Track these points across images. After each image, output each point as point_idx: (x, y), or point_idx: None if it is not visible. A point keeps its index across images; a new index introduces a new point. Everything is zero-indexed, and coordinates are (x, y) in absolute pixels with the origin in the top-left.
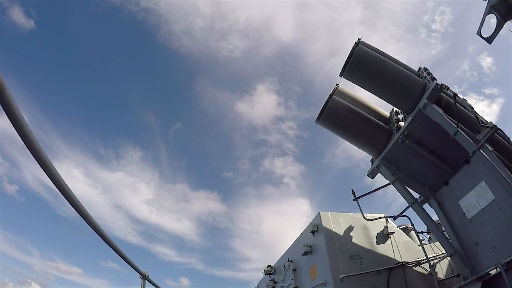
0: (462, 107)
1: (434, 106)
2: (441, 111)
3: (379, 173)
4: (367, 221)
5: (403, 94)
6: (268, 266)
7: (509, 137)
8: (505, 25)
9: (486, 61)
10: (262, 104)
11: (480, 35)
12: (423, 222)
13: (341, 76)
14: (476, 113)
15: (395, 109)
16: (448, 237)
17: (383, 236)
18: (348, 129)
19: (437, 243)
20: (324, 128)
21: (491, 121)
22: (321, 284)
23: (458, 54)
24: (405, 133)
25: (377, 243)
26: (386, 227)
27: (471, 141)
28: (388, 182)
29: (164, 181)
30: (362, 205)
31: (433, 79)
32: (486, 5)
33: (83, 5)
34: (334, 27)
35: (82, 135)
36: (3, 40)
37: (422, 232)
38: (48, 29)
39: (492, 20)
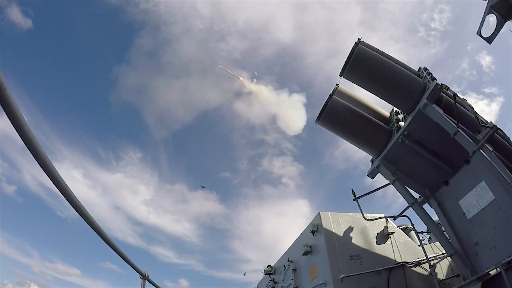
0: (462, 107)
1: (434, 106)
2: (441, 111)
3: (379, 173)
4: (367, 221)
5: (403, 94)
6: (268, 266)
7: (509, 137)
8: (505, 25)
9: (486, 60)
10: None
11: (480, 35)
12: (423, 222)
13: (341, 76)
14: (476, 113)
15: (395, 109)
16: (448, 237)
17: (383, 236)
18: (348, 129)
19: (437, 243)
20: (324, 128)
21: (491, 121)
22: (321, 284)
23: (458, 53)
24: (405, 133)
25: (377, 243)
26: (386, 227)
27: (471, 141)
28: (388, 182)
29: (163, 182)
30: (362, 205)
31: (433, 79)
32: (486, 5)
33: (82, 5)
34: (333, 28)
35: (81, 136)
36: (1, 39)
37: (422, 232)
38: (47, 29)
39: (492, 19)
